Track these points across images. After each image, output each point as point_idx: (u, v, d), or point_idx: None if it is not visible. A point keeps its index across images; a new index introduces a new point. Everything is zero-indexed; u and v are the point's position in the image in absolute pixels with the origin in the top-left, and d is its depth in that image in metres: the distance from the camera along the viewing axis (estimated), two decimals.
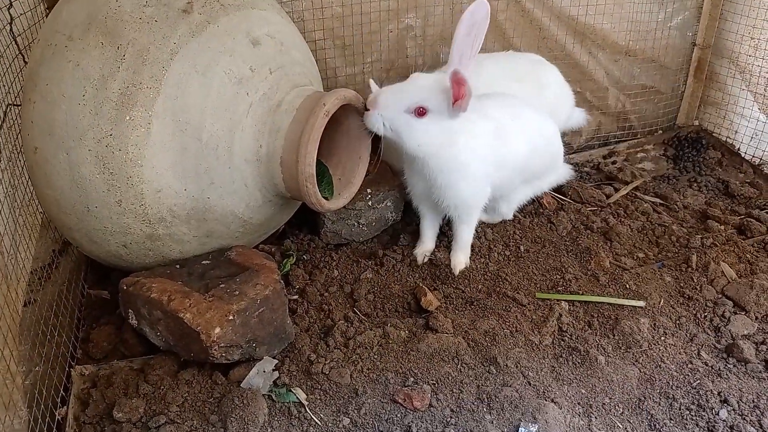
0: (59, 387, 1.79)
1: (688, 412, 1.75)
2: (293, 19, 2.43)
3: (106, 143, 1.73)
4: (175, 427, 1.65)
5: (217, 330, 1.69)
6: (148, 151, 1.74)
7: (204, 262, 1.98)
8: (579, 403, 1.78)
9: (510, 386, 1.80)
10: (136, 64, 1.72)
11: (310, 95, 1.94)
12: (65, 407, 1.74)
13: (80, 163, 1.75)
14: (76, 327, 2.03)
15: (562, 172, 2.65)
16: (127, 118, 1.71)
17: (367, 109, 1.97)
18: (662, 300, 2.13)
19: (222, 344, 1.70)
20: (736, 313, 2.08)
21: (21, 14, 2.04)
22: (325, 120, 1.86)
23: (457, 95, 1.95)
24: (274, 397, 1.77)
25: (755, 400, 1.78)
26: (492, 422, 1.70)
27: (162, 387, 1.75)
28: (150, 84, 1.72)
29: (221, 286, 1.82)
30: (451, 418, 1.71)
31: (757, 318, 2.06)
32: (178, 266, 1.96)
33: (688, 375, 1.87)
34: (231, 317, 1.71)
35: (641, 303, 2.09)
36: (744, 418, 1.73)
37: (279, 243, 2.39)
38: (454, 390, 1.79)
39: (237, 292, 1.79)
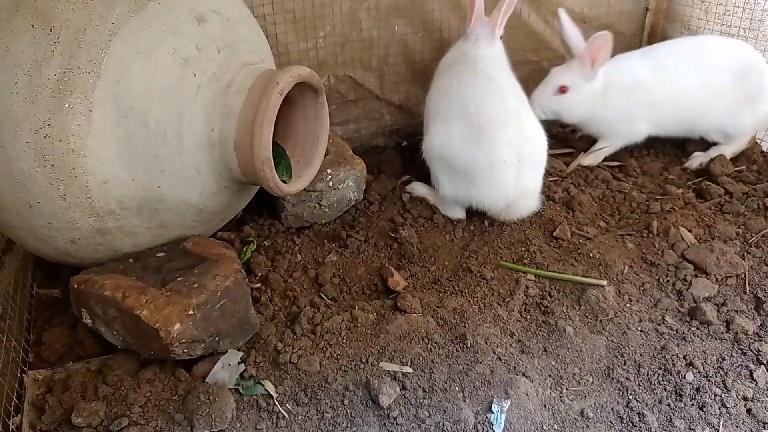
0: (11, 395, 1.69)
1: (655, 377, 1.78)
2: None
3: (45, 134, 1.61)
4: (139, 428, 1.58)
5: (177, 326, 1.62)
6: (91, 141, 1.63)
7: (159, 254, 1.89)
8: (550, 375, 1.78)
9: (481, 363, 1.79)
10: (72, 47, 1.60)
11: (262, 74, 1.84)
12: (19, 415, 1.65)
13: (17, 156, 1.63)
14: (26, 330, 1.93)
15: None
16: (66, 105, 1.60)
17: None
18: (626, 267, 2.15)
19: (183, 340, 1.63)
20: (697, 276, 2.11)
21: None
22: (279, 100, 1.77)
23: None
24: (241, 390, 1.71)
25: (719, 362, 1.82)
26: (465, 400, 1.69)
27: (122, 388, 1.68)
28: (89, 68, 1.60)
29: (179, 279, 1.74)
30: (423, 399, 1.69)
31: (717, 280, 2.10)
32: (131, 260, 1.87)
33: (654, 341, 1.89)
34: (191, 311, 1.64)
35: (603, 282, 2.06)
36: (709, 380, 1.77)
37: (238, 230, 2.31)
38: (426, 370, 1.77)
39: (196, 285, 1.71)
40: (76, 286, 1.76)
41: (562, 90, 2.62)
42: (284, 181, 1.95)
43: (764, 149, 2.83)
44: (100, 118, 1.63)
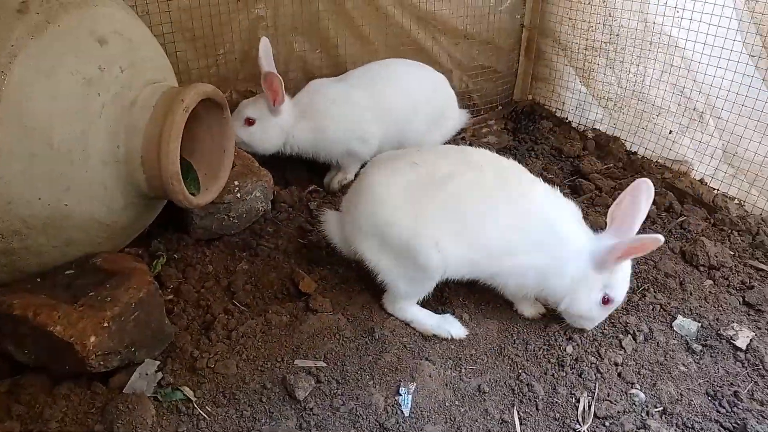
0: None
1: (540, 352, 2.01)
2: (138, 14, 2.36)
3: None
4: None
5: (93, 339, 1.65)
6: None
7: (68, 272, 1.89)
8: (450, 358, 1.96)
9: (388, 352, 1.94)
10: None
11: (166, 91, 1.91)
12: None
13: None
14: None
15: None
16: None
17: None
18: None
19: (99, 352, 1.67)
20: None
21: None
22: (185, 116, 1.85)
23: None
24: (159, 397, 1.76)
25: (593, 334, 2.08)
26: (375, 386, 1.83)
27: (37, 405, 1.68)
28: None
29: (91, 294, 1.76)
30: (337, 389, 1.82)
31: None
32: (38, 279, 1.86)
33: (539, 321, 2.13)
34: (106, 324, 1.68)
35: None
36: (586, 351, 2.02)
37: (146, 244, 2.34)
38: (338, 363, 1.90)
39: (109, 298, 1.75)
40: None
41: (249, 122, 2.64)
42: (193, 194, 2.02)
43: (628, 148, 3.20)
44: (2, 139, 1.64)
